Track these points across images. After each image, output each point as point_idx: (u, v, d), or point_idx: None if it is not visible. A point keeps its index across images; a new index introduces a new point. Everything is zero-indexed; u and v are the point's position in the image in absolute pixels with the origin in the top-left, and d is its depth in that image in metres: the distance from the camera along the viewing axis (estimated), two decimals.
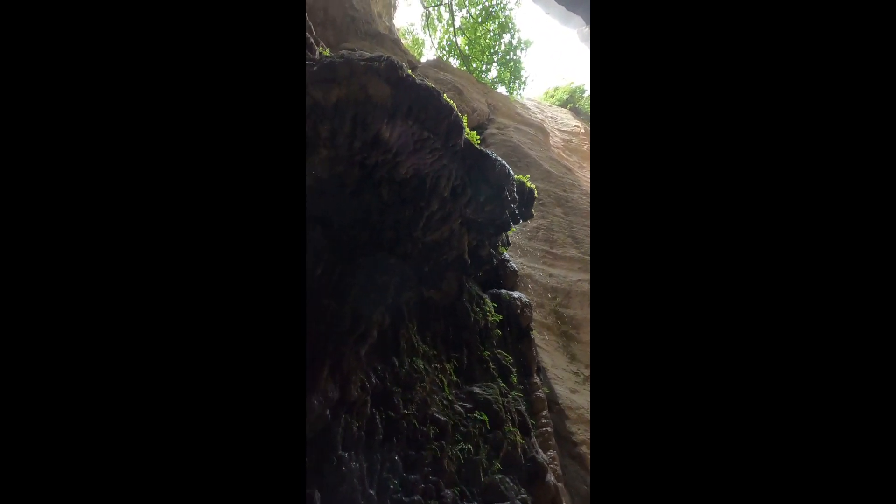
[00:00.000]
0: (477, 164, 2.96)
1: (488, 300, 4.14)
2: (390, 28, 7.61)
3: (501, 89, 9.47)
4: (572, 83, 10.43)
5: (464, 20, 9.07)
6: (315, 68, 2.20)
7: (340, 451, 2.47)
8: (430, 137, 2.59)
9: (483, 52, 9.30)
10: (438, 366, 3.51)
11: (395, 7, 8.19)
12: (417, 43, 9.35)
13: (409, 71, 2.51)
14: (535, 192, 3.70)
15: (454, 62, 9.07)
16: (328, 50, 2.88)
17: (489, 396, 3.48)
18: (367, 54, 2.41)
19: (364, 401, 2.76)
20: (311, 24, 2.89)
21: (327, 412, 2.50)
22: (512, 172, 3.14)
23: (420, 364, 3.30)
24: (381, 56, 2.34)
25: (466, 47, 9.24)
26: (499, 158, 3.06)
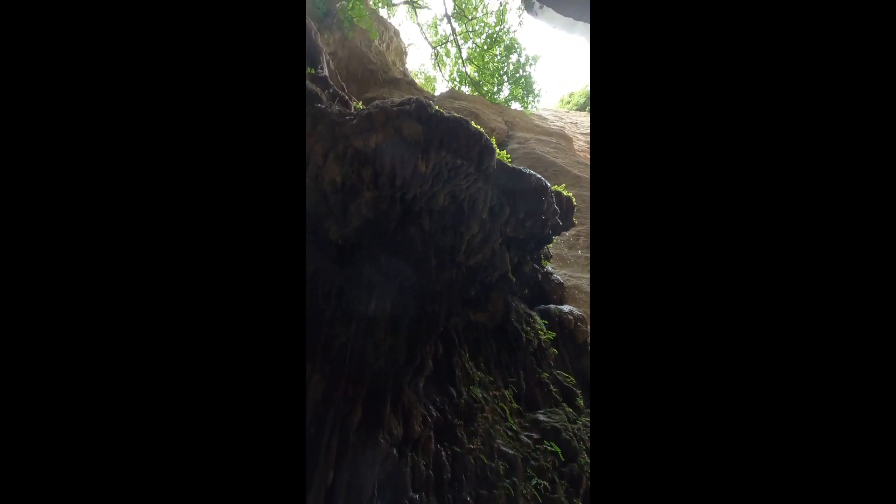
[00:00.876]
0: (512, 182, 2.96)
1: (538, 317, 3.95)
2: (404, 72, 8.23)
3: (515, 105, 9.65)
4: (586, 86, 10.31)
5: (470, 51, 9.58)
6: (354, 121, 2.41)
7: (411, 493, 2.39)
8: (463, 164, 2.66)
9: (493, 75, 9.66)
10: (497, 393, 3.34)
11: (406, 53, 8.91)
12: (430, 80, 10.00)
13: (437, 107, 2.64)
14: (573, 199, 3.58)
15: (466, 90, 9.51)
16: (360, 103, 3.16)
17: (556, 424, 3.21)
18: (398, 100, 2.59)
19: (427, 436, 2.68)
20: (340, 81, 3.19)
21: (394, 451, 2.46)
22: (548, 184, 3.09)
23: (478, 392, 3.16)
24: (411, 99, 2.51)
25: (476, 73, 9.68)
26: (533, 172, 3.03)
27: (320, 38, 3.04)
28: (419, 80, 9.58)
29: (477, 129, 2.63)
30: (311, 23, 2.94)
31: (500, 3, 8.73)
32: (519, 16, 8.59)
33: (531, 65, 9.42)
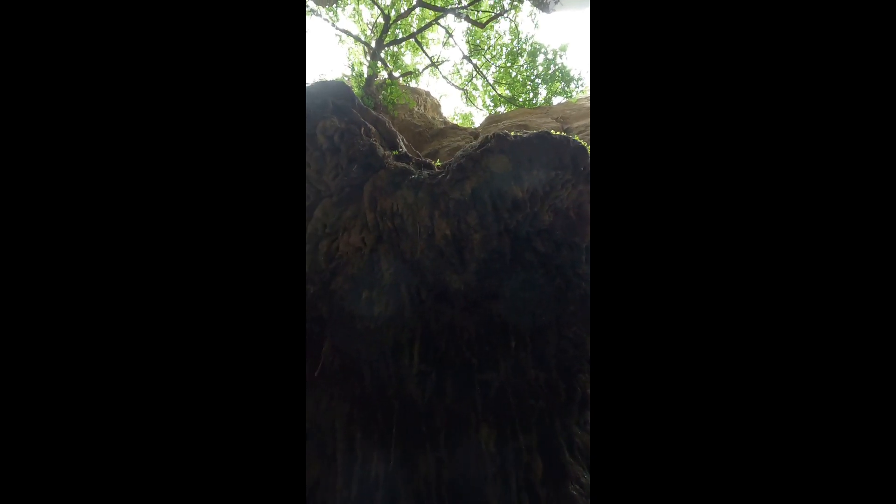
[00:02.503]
0: None
1: None
2: (444, 121, 8.92)
3: (558, 99, 9.28)
4: None
5: (496, 75, 9.91)
6: (447, 177, 2.60)
7: None
8: (558, 173, 2.54)
9: (524, 84, 9.65)
10: None
11: (439, 105, 9.76)
12: (466, 117, 10.63)
13: (514, 132, 2.67)
14: None
15: (502, 109, 9.69)
16: (438, 161, 3.48)
17: None
18: (474, 142, 2.73)
19: None
20: (405, 153, 3.54)
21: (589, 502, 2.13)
22: None
23: None
24: (489, 136, 2.60)
25: (507, 90, 9.83)
26: None
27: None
28: (458, 122, 10.24)
29: (561, 135, 2.53)
30: (381, 116, 3.47)
31: (510, 21, 8.99)
32: (533, 19, 8.62)
33: (560, 56, 9.10)
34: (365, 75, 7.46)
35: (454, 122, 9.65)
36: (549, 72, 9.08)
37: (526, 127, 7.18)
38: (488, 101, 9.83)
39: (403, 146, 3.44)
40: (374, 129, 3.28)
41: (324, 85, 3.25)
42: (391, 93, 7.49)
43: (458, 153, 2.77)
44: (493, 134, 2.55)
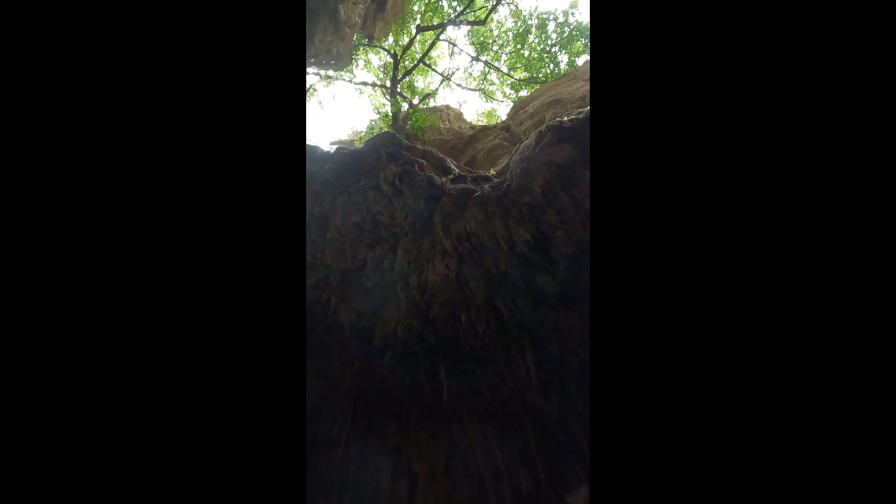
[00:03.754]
0: None
1: None
2: (470, 126, 8.97)
3: (583, 58, 8.57)
4: None
5: (508, 62, 9.67)
6: (513, 184, 2.60)
7: None
8: None
9: (540, 59, 9.19)
10: None
11: (461, 113, 9.87)
12: (490, 114, 10.52)
13: (566, 117, 2.55)
14: None
15: (525, 92, 9.33)
16: (492, 170, 3.53)
17: None
18: (528, 140, 2.69)
19: None
20: (459, 173, 3.60)
21: None
22: None
23: None
24: (541, 130, 2.54)
25: (524, 71, 9.47)
26: None
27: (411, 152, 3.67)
28: (483, 122, 10.21)
29: None
30: (427, 147, 3.67)
31: (509, 5, 8.74)
32: None
33: (572, 13, 8.44)
34: (389, 114, 8.03)
35: (480, 123, 9.63)
36: (565, 36, 8.46)
37: (558, 101, 6.76)
38: (508, 91, 9.59)
39: (455, 167, 3.56)
40: (424, 161, 3.48)
41: (373, 140, 3.60)
42: (416, 121, 7.88)
43: (516, 157, 2.76)
44: (548, 126, 2.48)
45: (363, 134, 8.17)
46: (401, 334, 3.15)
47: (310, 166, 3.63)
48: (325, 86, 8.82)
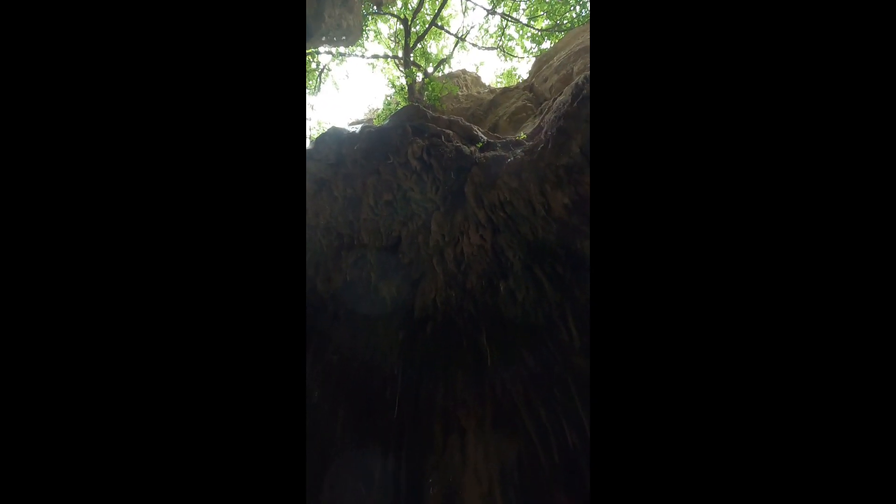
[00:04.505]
0: None
1: None
2: (490, 90, 8.44)
3: None
4: None
5: (528, 11, 8.78)
6: (549, 145, 2.47)
7: None
8: None
9: (565, 2, 8.22)
10: None
11: (478, 76, 9.28)
12: (509, 74, 9.80)
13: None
14: None
15: (547, 44, 8.50)
16: (521, 133, 3.36)
17: None
18: (562, 97, 2.50)
19: None
20: (488, 140, 3.46)
21: None
22: None
23: None
24: (577, 83, 2.34)
25: (545, 20, 8.58)
26: None
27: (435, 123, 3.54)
28: (503, 83, 9.55)
29: None
30: (456, 117, 3.55)
31: None
32: None
33: None
34: (405, 86, 7.75)
35: (499, 86, 9.01)
36: None
37: (587, 48, 6.10)
38: (528, 45, 8.77)
39: (482, 135, 3.44)
40: (451, 132, 3.39)
41: (397, 115, 3.54)
42: (432, 90, 7.56)
43: (550, 116, 2.60)
44: (585, 77, 2.28)
45: (380, 111, 8.01)
46: (440, 305, 3.28)
47: (338, 149, 3.68)
48: (337, 64, 8.64)
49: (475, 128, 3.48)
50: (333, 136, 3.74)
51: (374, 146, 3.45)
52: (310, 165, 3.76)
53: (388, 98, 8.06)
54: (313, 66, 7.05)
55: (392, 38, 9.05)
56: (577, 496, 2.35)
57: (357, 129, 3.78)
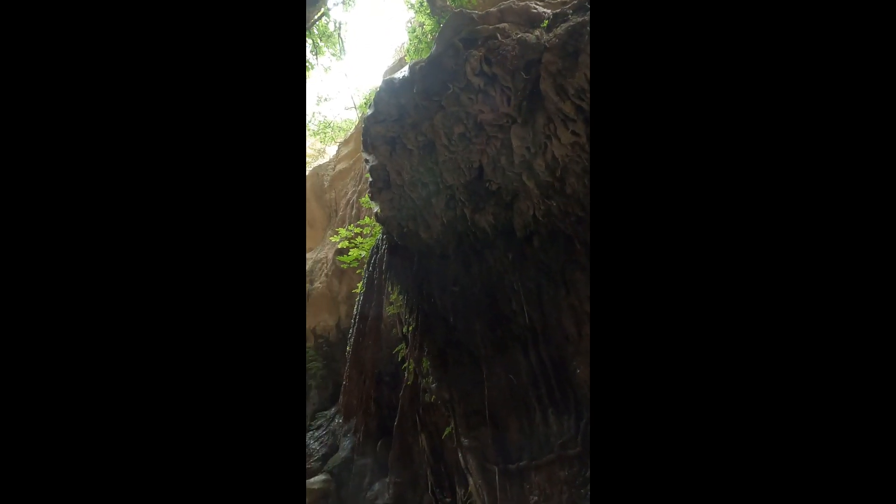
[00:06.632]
0: None
1: None
2: None
3: None
4: None
5: None
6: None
7: None
8: None
9: None
10: None
11: None
12: None
13: None
14: None
15: None
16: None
17: None
18: None
19: None
20: (537, 8, 2.86)
21: None
22: None
23: None
24: None
25: None
26: None
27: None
28: None
29: None
30: (503, 3, 3.04)
31: None
32: None
33: None
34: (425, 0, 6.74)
35: None
36: None
37: None
38: None
39: (543, 9, 2.88)
40: (505, 24, 2.95)
41: (441, 34, 3.24)
42: None
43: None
44: None
45: (408, 45, 7.35)
46: (542, 218, 3.33)
47: (396, 101, 3.69)
48: (345, 9, 7.99)
49: (532, 4, 2.92)
50: (388, 90, 3.74)
51: (431, 80, 3.33)
52: (377, 129, 3.94)
53: (410, 23, 7.20)
54: (331, 27, 6.76)
55: None
56: None
57: (406, 71, 3.67)
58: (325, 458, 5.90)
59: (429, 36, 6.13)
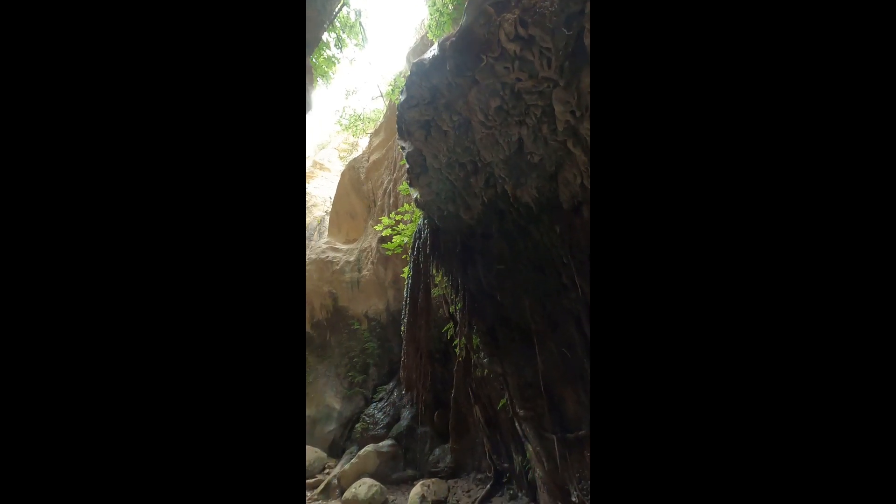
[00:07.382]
0: None
1: None
2: None
3: None
4: None
5: None
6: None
7: None
8: None
9: None
10: None
11: None
12: None
13: None
14: None
15: None
16: None
17: None
18: None
19: None
20: None
21: None
22: None
23: None
24: None
25: None
26: None
27: None
28: None
29: None
30: None
31: None
32: None
33: None
34: None
35: None
36: None
37: None
38: None
39: None
40: None
41: (470, 4, 3.09)
42: None
43: None
44: None
45: (429, 20, 7.10)
46: (590, 186, 3.15)
47: (428, 82, 3.65)
48: None
49: None
50: (419, 72, 3.71)
51: (462, 56, 3.22)
52: (411, 115, 3.95)
53: None
54: (351, 17, 6.74)
55: None
56: None
57: (435, 49, 3.58)
58: (388, 426, 6.56)
59: (450, 6, 5.82)
